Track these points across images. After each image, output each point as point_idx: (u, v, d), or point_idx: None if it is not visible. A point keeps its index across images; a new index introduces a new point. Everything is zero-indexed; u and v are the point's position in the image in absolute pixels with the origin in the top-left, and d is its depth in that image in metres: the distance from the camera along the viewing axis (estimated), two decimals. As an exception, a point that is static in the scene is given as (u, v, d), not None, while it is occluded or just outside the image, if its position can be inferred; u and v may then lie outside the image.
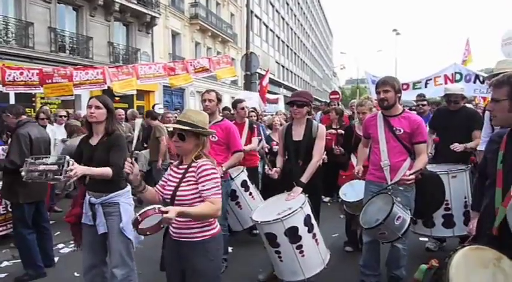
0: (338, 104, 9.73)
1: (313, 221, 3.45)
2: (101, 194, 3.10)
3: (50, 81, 6.50)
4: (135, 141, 2.57)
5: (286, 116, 8.90)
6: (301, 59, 57.31)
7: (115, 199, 3.11)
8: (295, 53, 53.16)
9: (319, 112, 10.63)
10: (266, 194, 4.48)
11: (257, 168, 5.88)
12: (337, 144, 5.74)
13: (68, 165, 2.70)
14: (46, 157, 2.96)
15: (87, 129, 3.28)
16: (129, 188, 3.20)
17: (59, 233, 5.20)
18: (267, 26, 40.22)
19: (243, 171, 4.69)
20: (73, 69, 7.01)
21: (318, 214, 3.77)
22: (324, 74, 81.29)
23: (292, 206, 3.37)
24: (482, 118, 4.28)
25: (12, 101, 10.36)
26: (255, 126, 5.67)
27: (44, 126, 5.76)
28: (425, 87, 7.79)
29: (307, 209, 3.40)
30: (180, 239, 2.36)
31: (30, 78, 6.39)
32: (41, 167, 2.80)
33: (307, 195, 3.51)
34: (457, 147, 4.20)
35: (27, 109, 7.42)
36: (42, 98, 12.59)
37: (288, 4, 49.00)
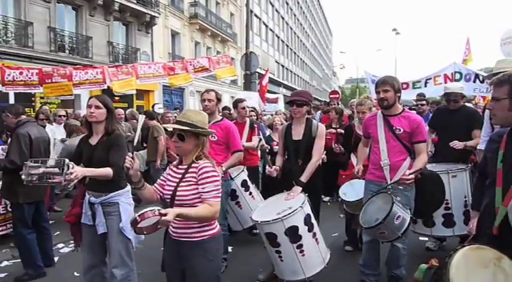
0: (338, 104, 9.72)
1: (313, 220, 3.45)
2: (100, 194, 3.10)
3: (49, 81, 6.50)
4: (137, 135, 2.58)
5: (286, 116, 8.90)
6: (300, 59, 57.29)
7: (115, 199, 3.10)
8: (294, 53, 53.14)
9: (319, 111, 10.63)
10: (266, 193, 4.48)
11: (257, 167, 5.88)
12: (337, 143, 5.74)
13: (68, 169, 2.70)
14: (45, 160, 2.95)
15: (87, 128, 3.28)
16: (128, 187, 3.20)
17: (58, 232, 5.20)
18: (266, 26, 40.20)
19: (243, 170, 4.69)
20: (72, 68, 7.01)
21: (318, 213, 3.77)
22: (323, 73, 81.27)
23: (292, 205, 3.37)
24: (482, 117, 4.28)
25: (11, 100, 10.36)
26: (255, 125, 5.68)
27: (44, 126, 5.76)
28: (425, 86, 7.79)
29: (307, 209, 3.40)
30: (180, 239, 2.36)
31: (29, 78, 6.39)
32: (41, 170, 2.79)
33: (306, 194, 3.52)
34: (457, 144, 4.21)
35: (26, 109, 7.40)
36: (41, 97, 12.57)
37: (287, 4, 48.98)
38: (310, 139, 3.77)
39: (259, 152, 5.97)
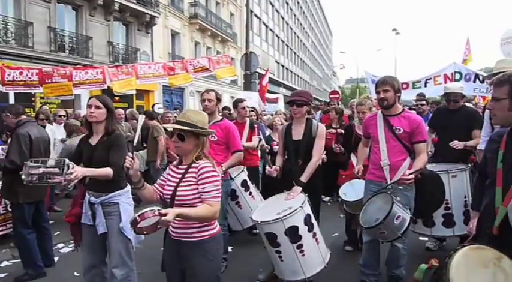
0: (338, 104, 9.72)
1: (313, 220, 3.45)
2: (100, 194, 3.10)
3: (49, 80, 6.50)
4: (137, 135, 2.59)
5: (286, 116, 8.90)
6: (300, 59, 57.29)
7: (115, 199, 3.10)
8: (294, 53, 53.14)
9: (319, 111, 10.63)
10: (266, 193, 4.48)
11: (257, 168, 5.88)
12: (337, 143, 5.74)
13: (68, 169, 2.70)
14: (45, 160, 2.95)
15: (87, 128, 3.28)
16: (128, 187, 3.20)
17: (58, 232, 5.19)
18: (266, 26, 40.20)
19: (243, 170, 4.69)
20: (72, 68, 7.01)
21: (318, 213, 3.77)
22: (323, 73, 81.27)
23: (292, 205, 3.37)
24: (482, 117, 4.28)
25: (11, 100, 10.36)
26: (255, 125, 5.69)
27: (44, 126, 5.76)
28: (425, 86, 7.79)
29: (307, 209, 3.40)
30: (180, 239, 2.36)
31: (29, 78, 6.39)
32: (41, 170, 2.79)
33: (306, 194, 3.51)
34: (457, 144, 4.20)
35: (26, 109, 7.40)
36: (41, 97, 12.57)
37: (287, 3, 48.98)
38: (310, 139, 3.77)
39: (259, 152, 5.98)
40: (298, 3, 55.06)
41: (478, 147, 4.04)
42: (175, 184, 2.35)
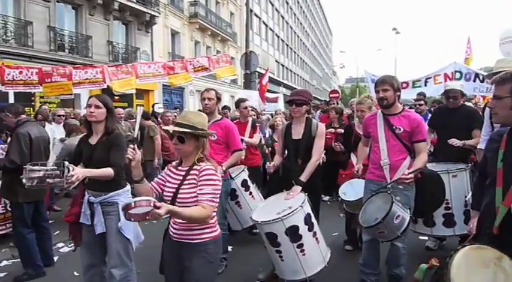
0: (337, 103, 9.72)
1: (313, 219, 3.45)
2: (100, 193, 3.09)
3: (49, 80, 6.49)
4: (137, 128, 2.60)
5: (285, 115, 8.90)
6: (300, 58, 57.28)
7: (114, 198, 3.09)
8: (294, 52, 53.12)
9: (319, 111, 10.62)
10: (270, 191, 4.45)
11: (259, 167, 5.89)
12: (337, 142, 5.74)
13: (69, 171, 2.69)
14: (44, 163, 2.95)
15: (87, 128, 3.27)
16: (128, 187, 3.19)
17: (58, 232, 5.19)
18: (266, 25, 40.19)
19: (243, 170, 4.69)
20: (72, 68, 7.00)
21: (318, 213, 3.76)
22: (323, 72, 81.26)
23: (292, 205, 3.36)
24: (482, 117, 4.27)
25: (11, 100, 10.34)
26: (257, 125, 5.73)
27: (43, 127, 5.75)
28: (425, 85, 7.79)
29: (307, 208, 3.40)
30: (181, 240, 2.36)
31: (29, 78, 6.38)
32: (41, 173, 2.79)
33: (306, 194, 3.51)
34: (456, 142, 4.20)
35: (26, 108, 7.38)
36: (41, 97, 12.56)
37: (287, 3, 48.96)
38: (310, 138, 3.76)
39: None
40: (298, 2, 55.04)
41: (478, 147, 4.04)
42: (176, 186, 2.34)
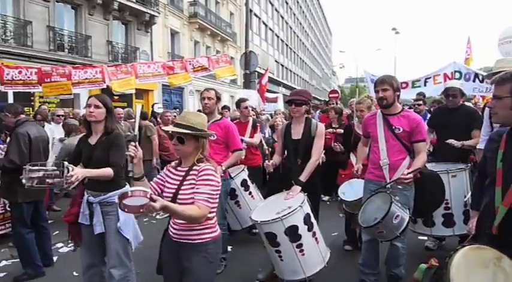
0: (337, 103, 9.72)
1: (312, 219, 3.45)
2: (99, 193, 3.09)
3: (48, 80, 6.48)
4: (137, 125, 2.61)
5: (285, 115, 8.90)
6: (300, 58, 57.29)
7: (113, 198, 3.08)
8: (294, 52, 53.13)
9: (318, 111, 10.62)
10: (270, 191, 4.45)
11: (259, 167, 5.89)
12: (337, 142, 5.74)
13: (68, 172, 2.69)
14: (44, 163, 2.94)
15: (86, 128, 3.27)
16: (128, 187, 3.19)
17: (57, 232, 5.19)
18: (266, 25, 40.19)
19: (243, 170, 4.68)
20: (72, 68, 6.99)
21: (317, 213, 3.76)
22: (323, 72, 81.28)
23: (291, 204, 3.36)
24: (482, 117, 4.27)
25: (10, 100, 10.32)
26: (258, 125, 5.74)
27: (42, 126, 5.74)
28: (425, 85, 7.78)
29: (307, 208, 3.40)
30: (181, 241, 2.36)
31: (28, 77, 6.38)
32: (41, 174, 2.78)
33: (306, 194, 3.51)
34: (454, 143, 4.20)
35: (25, 108, 7.40)
36: (40, 97, 12.53)
37: (287, 3, 48.96)
38: (310, 138, 3.76)
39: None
40: (297, 2, 55.05)
41: (477, 147, 4.04)
42: (176, 186, 2.34)
